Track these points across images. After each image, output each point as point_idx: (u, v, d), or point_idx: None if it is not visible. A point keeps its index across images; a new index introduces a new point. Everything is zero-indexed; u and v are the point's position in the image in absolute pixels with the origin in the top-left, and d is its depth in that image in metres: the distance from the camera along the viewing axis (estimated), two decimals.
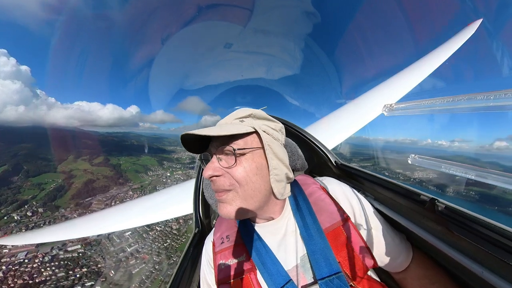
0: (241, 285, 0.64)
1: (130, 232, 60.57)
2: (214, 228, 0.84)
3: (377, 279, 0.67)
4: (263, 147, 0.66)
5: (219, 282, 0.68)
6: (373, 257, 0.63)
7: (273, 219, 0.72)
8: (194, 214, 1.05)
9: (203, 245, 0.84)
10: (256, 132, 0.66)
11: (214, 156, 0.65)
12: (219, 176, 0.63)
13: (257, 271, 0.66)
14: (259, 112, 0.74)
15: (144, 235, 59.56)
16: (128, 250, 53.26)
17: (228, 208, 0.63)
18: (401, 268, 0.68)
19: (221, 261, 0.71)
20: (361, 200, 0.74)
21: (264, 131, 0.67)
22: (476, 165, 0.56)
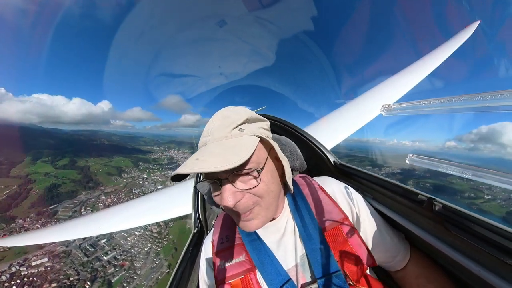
0: (241, 285, 0.64)
1: (105, 240, 57.02)
2: (213, 228, 0.84)
3: (376, 277, 0.68)
4: (269, 152, 0.66)
5: (218, 282, 0.68)
6: (371, 256, 0.64)
7: (273, 219, 0.73)
8: (193, 215, 1.06)
9: (202, 245, 0.85)
10: (260, 140, 0.64)
11: (227, 181, 0.58)
12: (240, 199, 0.59)
13: (257, 271, 0.66)
14: (252, 113, 0.69)
15: (121, 242, 56.65)
16: (105, 258, 50.27)
17: (255, 223, 0.61)
18: (400, 267, 0.68)
19: (220, 261, 0.71)
20: (360, 200, 0.74)
21: (266, 136, 0.66)
22: (473, 165, 0.55)
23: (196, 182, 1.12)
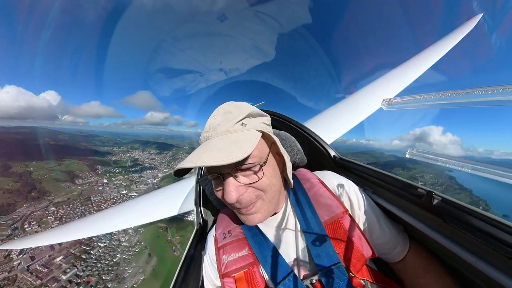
0: (244, 278, 0.67)
1: (62, 257, 50.41)
2: (215, 224, 0.86)
3: (375, 268, 0.71)
4: (270, 146, 0.68)
5: (222, 276, 0.70)
6: (371, 248, 0.66)
7: (275, 213, 0.74)
8: (195, 211, 1.08)
9: (205, 240, 0.87)
10: (262, 134, 0.65)
11: (230, 176, 0.59)
12: (243, 194, 0.60)
13: (260, 264, 0.68)
14: (254, 109, 0.70)
15: (82, 256, 51.03)
16: (64, 277, 44.79)
17: (258, 217, 0.63)
18: (399, 258, 0.69)
19: (223, 256, 0.73)
20: (359, 193, 0.75)
21: (268, 131, 0.67)
22: (471, 160, 0.57)
23: (198, 178, 1.16)
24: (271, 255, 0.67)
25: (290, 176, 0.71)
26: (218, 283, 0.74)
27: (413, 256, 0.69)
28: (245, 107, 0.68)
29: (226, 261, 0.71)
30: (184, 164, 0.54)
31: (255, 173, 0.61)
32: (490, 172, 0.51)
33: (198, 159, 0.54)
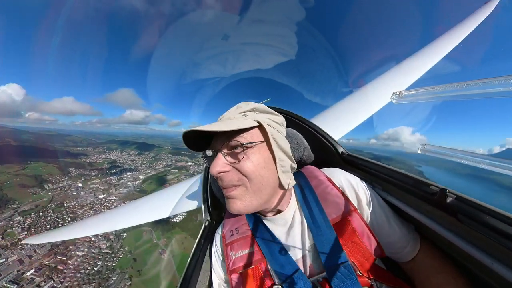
0: (251, 275, 0.67)
1: (33, 270, 46.45)
2: (223, 221, 0.88)
3: (384, 268, 0.68)
4: (267, 140, 0.67)
5: (230, 272, 0.71)
6: (380, 247, 0.65)
7: (280, 211, 0.74)
8: (203, 208, 1.10)
9: (213, 237, 0.88)
10: (259, 126, 0.68)
11: (220, 152, 0.64)
12: (227, 172, 0.63)
13: (266, 262, 0.68)
14: (261, 105, 0.75)
15: (59, 267, 47.63)
16: None
17: (238, 204, 0.64)
18: (409, 258, 0.68)
19: (231, 253, 0.74)
20: (368, 191, 0.74)
21: (268, 125, 0.68)
22: (488, 155, 0.53)
23: (205, 174, 1.18)
24: (278, 252, 0.68)
25: (282, 176, 0.69)
26: (226, 279, 0.76)
27: (424, 256, 0.67)
28: (253, 104, 0.74)
29: (233, 258, 0.73)
30: (184, 133, 0.63)
31: (239, 153, 0.63)
32: (508, 168, 0.47)
33: (193, 129, 0.62)
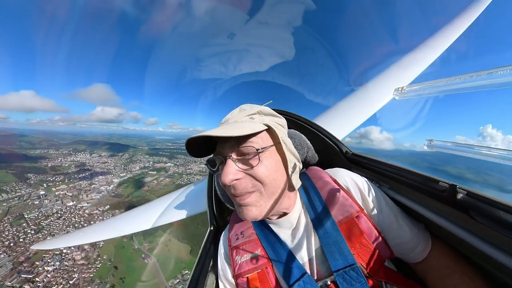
0: (258, 279, 0.66)
1: None
2: (228, 225, 0.87)
3: (395, 269, 0.66)
4: (277, 143, 0.67)
5: (236, 276, 0.70)
6: (389, 248, 0.63)
7: (285, 214, 0.73)
8: (208, 212, 1.08)
9: (219, 241, 0.87)
10: (268, 128, 0.67)
11: (229, 158, 0.61)
12: (240, 179, 0.60)
13: (273, 265, 0.67)
14: (266, 108, 0.75)
15: (25, 286, 43.13)
16: None
17: (254, 211, 0.62)
18: (420, 258, 0.65)
19: (237, 257, 0.73)
20: (374, 190, 0.72)
21: (276, 128, 0.67)
22: (499, 148, 0.51)
23: (209, 180, 1.14)
24: (284, 256, 0.66)
25: (293, 177, 0.69)
26: (233, 283, 0.75)
27: (436, 255, 0.64)
28: (257, 107, 0.74)
29: (239, 262, 0.72)
30: (189, 138, 0.59)
31: (252, 159, 0.61)
32: None
33: (199, 135, 0.58)
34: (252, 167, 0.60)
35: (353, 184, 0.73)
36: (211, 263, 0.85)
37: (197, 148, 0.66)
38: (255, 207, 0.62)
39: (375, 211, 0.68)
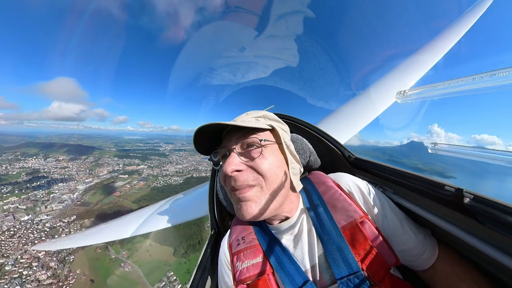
0: (258, 286, 0.64)
1: None
2: (229, 230, 0.86)
3: (401, 277, 0.64)
4: (279, 143, 0.68)
5: (237, 283, 0.68)
6: (394, 255, 0.61)
7: (287, 218, 0.72)
8: (210, 216, 1.07)
9: (219, 246, 0.86)
10: (272, 130, 0.69)
11: (232, 151, 0.64)
12: (241, 171, 0.61)
13: (275, 272, 0.66)
14: (270, 113, 0.78)
15: None
16: None
17: (253, 208, 0.61)
18: (427, 266, 0.63)
19: (238, 262, 0.72)
20: (378, 195, 0.70)
21: (280, 128, 0.71)
22: (505, 151, 0.50)
23: (212, 180, 1.15)
24: (286, 262, 0.65)
25: (294, 178, 0.70)
26: None
27: (443, 262, 0.62)
28: (262, 112, 0.78)
29: (240, 268, 0.70)
30: (197, 129, 0.60)
31: (255, 151, 0.64)
32: None
33: (206, 125, 0.60)
34: (253, 159, 0.62)
35: (356, 188, 0.72)
36: (212, 269, 0.86)
37: (205, 143, 0.69)
38: (255, 203, 0.61)
39: (379, 217, 0.67)
